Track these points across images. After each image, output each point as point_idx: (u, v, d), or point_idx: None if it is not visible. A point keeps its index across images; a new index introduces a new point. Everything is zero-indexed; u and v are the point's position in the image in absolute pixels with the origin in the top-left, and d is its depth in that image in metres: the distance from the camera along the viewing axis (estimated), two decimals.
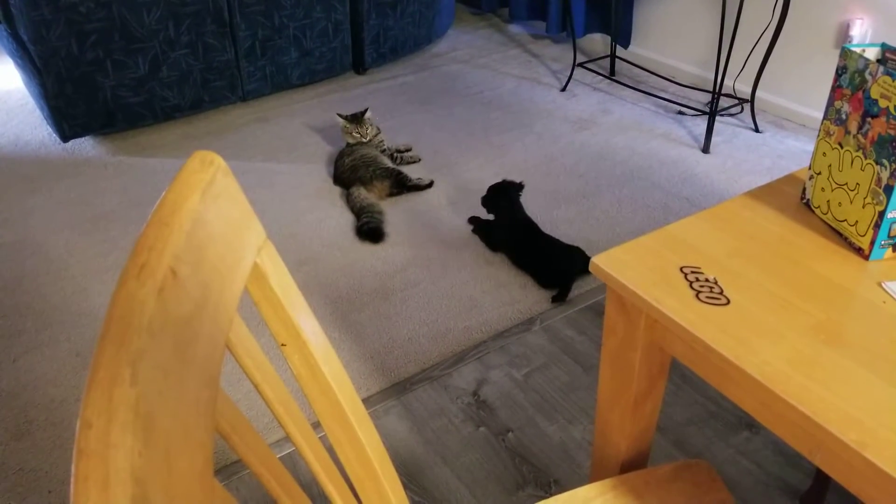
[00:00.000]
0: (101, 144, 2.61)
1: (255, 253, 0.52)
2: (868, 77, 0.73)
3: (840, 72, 0.77)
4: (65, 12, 2.30)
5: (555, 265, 1.83)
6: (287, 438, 1.42)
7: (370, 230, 2.03)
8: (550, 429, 1.44)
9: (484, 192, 2.01)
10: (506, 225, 1.95)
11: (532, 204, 2.18)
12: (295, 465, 1.36)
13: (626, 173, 2.35)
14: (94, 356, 0.35)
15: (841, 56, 0.77)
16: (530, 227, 1.93)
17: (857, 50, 0.75)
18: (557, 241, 1.89)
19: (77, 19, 2.33)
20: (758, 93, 2.73)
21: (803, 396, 0.59)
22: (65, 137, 2.54)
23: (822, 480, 1.22)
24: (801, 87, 2.62)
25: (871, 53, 0.76)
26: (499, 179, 2.33)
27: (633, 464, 0.91)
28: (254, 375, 0.53)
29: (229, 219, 0.49)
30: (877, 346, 0.64)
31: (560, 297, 1.78)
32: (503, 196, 1.97)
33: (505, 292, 1.82)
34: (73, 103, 2.46)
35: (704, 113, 2.71)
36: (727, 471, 1.34)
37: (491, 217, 2.01)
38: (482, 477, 1.34)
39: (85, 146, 2.59)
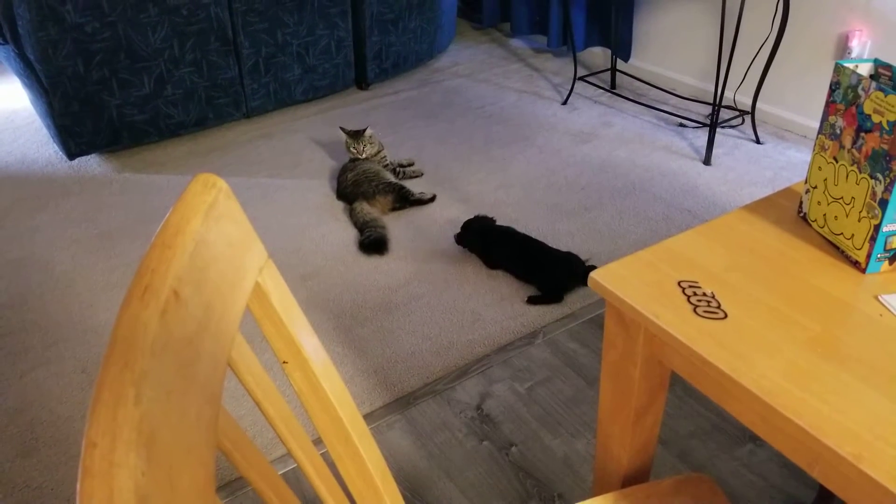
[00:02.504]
0: (107, 162, 2.64)
1: (257, 272, 0.53)
2: (861, 92, 0.74)
3: (834, 87, 0.78)
4: (71, 32, 2.33)
5: (554, 273, 1.86)
6: (289, 455, 1.42)
7: (373, 241, 2.05)
8: (554, 443, 1.44)
9: (462, 228, 2.01)
10: (503, 241, 1.96)
11: (534, 217, 2.20)
12: (298, 481, 1.37)
13: (628, 186, 2.36)
14: (99, 377, 0.36)
15: (834, 72, 0.78)
16: (527, 239, 1.96)
17: (850, 66, 0.76)
18: (555, 250, 1.93)
19: (83, 39, 2.36)
20: (758, 104, 2.74)
21: (800, 410, 0.60)
22: (71, 155, 2.56)
23: (826, 493, 1.22)
24: (801, 99, 2.63)
25: (864, 69, 0.77)
26: (500, 192, 2.35)
27: (634, 477, 0.91)
28: (255, 393, 0.54)
29: (231, 240, 0.50)
30: (873, 359, 0.65)
31: (541, 301, 1.81)
32: (484, 226, 1.98)
33: (508, 306, 1.82)
34: (79, 121, 2.49)
35: (705, 125, 2.72)
36: (731, 483, 1.33)
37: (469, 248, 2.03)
38: (486, 491, 1.34)
39: (91, 164, 2.62)
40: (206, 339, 0.44)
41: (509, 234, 1.98)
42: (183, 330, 0.41)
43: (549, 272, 1.86)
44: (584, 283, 1.86)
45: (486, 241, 1.96)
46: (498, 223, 2.02)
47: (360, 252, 2.06)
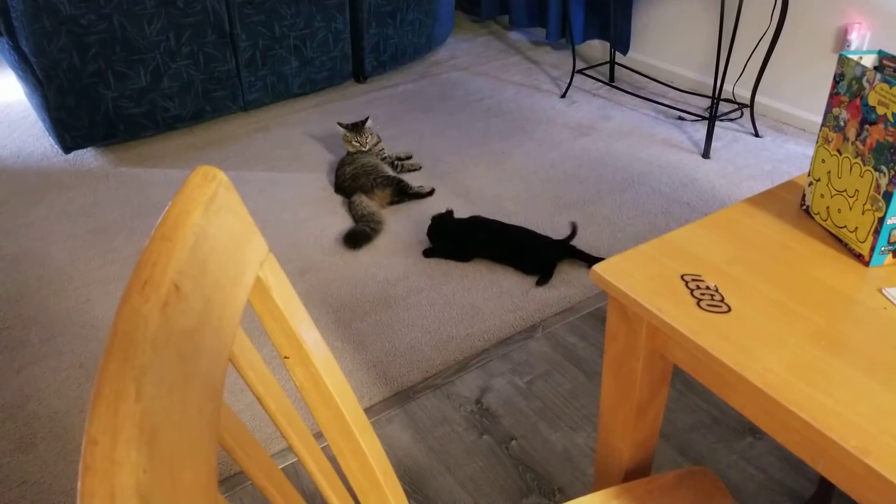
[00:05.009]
0: (103, 155, 2.62)
1: (258, 266, 0.53)
2: (865, 84, 0.73)
3: (837, 79, 0.78)
4: (66, 24, 2.31)
5: (534, 254, 1.91)
6: (290, 449, 1.42)
7: (349, 235, 2.05)
8: (554, 436, 1.44)
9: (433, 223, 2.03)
10: (475, 231, 1.99)
11: (533, 210, 2.19)
12: (299, 475, 1.36)
13: (627, 179, 2.36)
14: (99, 372, 0.35)
15: (838, 63, 0.78)
16: (499, 224, 2.00)
17: (854, 57, 0.76)
18: (531, 231, 1.98)
19: (78, 31, 2.34)
20: (757, 97, 2.74)
21: (805, 403, 0.59)
22: (66, 149, 2.55)
23: (826, 486, 1.22)
24: (800, 92, 2.62)
25: (868, 61, 0.77)
26: (499, 186, 2.35)
27: (636, 472, 0.91)
28: (256, 388, 0.53)
29: (232, 233, 0.50)
30: (877, 353, 0.65)
31: (543, 281, 1.87)
32: (451, 220, 2.01)
33: (507, 299, 1.82)
34: (74, 115, 2.47)
35: (704, 118, 2.72)
36: (731, 477, 1.33)
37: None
38: (486, 485, 1.34)
39: (87, 157, 2.60)
40: (208, 334, 0.44)
41: (480, 222, 2.01)
42: (184, 324, 0.41)
43: (538, 252, 1.91)
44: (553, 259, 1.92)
45: (457, 235, 1.98)
46: (457, 214, 2.05)
47: (346, 247, 2.05)
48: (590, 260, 1.92)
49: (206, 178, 0.49)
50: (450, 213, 2.03)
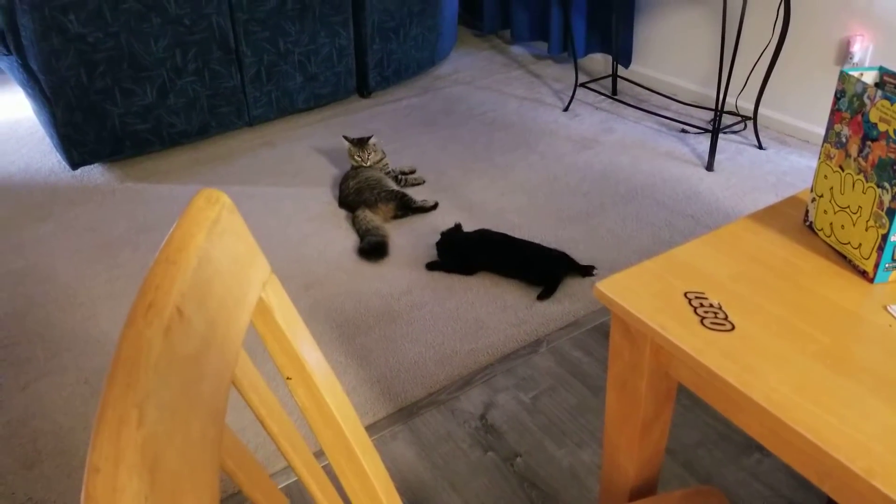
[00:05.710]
0: (110, 171, 2.64)
1: (261, 288, 0.53)
2: (867, 101, 0.74)
3: (839, 95, 0.78)
4: (74, 43, 2.34)
5: (542, 267, 1.91)
6: (293, 471, 1.41)
7: (372, 246, 2.05)
8: (559, 453, 1.43)
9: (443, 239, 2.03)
10: (483, 244, 1.99)
11: (537, 224, 2.19)
12: (301, 494, 1.36)
13: (631, 192, 2.36)
14: (102, 398, 0.35)
15: (839, 80, 0.78)
16: (506, 237, 2.00)
17: (855, 74, 0.76)
18: (538, 244, 1.98)
19: (86, 49, 2.37)
20: (760, 110, 2.74)
21: (810, 423, 0.59)
22: (74, 165, 2.57)
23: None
24: (803, 104, 2.62)
25: (869, 77, 0.77)
26: (503, 199, 2.35)
27: (642, 490, 0.91)
28: (259, 410, 0.53)
29: (235, 255, 0.50)
30: (883, 371, 0.64)
31: (546, 295, 1.86)
32: (460, 235, 2.02)
33: (511, 313, 1.81)
34: (82, 131, 2.49)
35: (707, 131, 2.72)
36: (738, 494, 1.32)
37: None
38: (490, 503, 1.33)
39: (94, 173, 2.62)
40: (210, 357, 0.44)
41: (487, 236, 2.01)
42: (187, 348, 0.41)
43: (545, 265, 1.91)
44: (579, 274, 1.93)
45: (465, 249, 1.98)
46: (467, 229, 2.05)
47: (361, 258, 2.06)
48: (581, 269, 1.92)
49: (210, 201, 0.49)
50: (458, 227, 2.03)
